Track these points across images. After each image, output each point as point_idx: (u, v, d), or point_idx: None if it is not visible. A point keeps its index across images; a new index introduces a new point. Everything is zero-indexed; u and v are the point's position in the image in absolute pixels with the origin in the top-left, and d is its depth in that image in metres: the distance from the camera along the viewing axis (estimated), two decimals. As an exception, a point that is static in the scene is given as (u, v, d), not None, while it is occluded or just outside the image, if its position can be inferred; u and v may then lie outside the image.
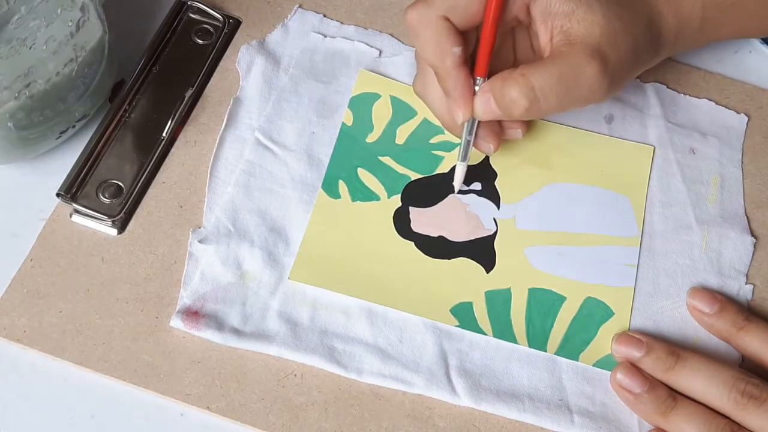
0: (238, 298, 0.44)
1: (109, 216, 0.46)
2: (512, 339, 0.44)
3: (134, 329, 0.43)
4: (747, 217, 0.49)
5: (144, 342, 0.43)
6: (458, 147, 0.46)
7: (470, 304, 0.45)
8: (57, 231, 0.46)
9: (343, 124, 0.50)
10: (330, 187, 0.48)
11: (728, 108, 0.52)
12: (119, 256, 0.45)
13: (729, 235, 0.48)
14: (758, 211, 0.49)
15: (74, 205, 0.46)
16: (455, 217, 0.48)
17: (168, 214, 0.47)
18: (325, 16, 0.53)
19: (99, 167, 0.47)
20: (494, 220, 0.48)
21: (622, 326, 0.45)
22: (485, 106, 0.43)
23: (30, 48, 0.41)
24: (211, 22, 0.53)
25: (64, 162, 0.47)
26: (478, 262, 0.46)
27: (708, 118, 0.52)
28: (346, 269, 0.46)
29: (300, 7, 0.54)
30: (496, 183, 0.49)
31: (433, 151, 0.49)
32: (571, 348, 0.44)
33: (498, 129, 0.47)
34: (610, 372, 0.44)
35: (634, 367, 0.43)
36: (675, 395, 0.42)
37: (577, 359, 0.44)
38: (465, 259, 0.46)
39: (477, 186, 0.48)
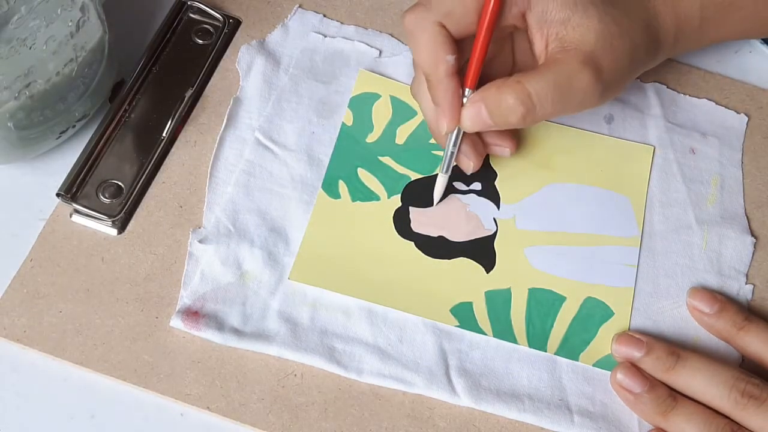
0: (238, 298, 0.44)
1: (109, 216, 0.46)
2: (512, 339, 0.44)
3: (134, 329, 0.43)
4: (747, 217, 0.49)
5: (144, 342, 0.43)
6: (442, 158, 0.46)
7: (470, 304, 0.45)
8: (57, 231, 0.46)
9: (343, 124, 0.50)
10: (330, 187, 0.48)
11: (728, 108, 0.52)
12: (119, 256, 0.45)
13: (729, 235, 0.48)
14: (758, 211, 0.49)
15: (74, 205, 0.46)
16: (455, 217, 0.48)
17: (168, 214, 0.47)
18: (325, 16, 0.53)
19: (99, 167, 0.47)
20: (494, 220, 0.48)
21: (622, 326, 0.45)
22: (475, 116, 0.42)
23: (30, 48, 0.41)
24: (211, 22, 0.53)
25: (64, 162, 0.47)
26: (478, 262, 0.46)
27: (708, 118, 0.52)
28: (346, 269, 0.46)
29: (300, 7, 0.54)
30: (496, 183, 0.49)
31: (433, 151, 0.49)
32: (571, 348, 0.44)
33: (481, 148, 0.46)
34: (610, 372, 0.44)
35: (634, 367, 0.43)
36: (675, 395, 0.42)
37: (577, 359, 0.44)
38: (465, 259, 0.46)
39: (477, 186, 0.49)
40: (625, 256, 0.47)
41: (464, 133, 0.44)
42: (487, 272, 0.46)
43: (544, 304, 0.45)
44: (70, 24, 0.42)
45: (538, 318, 0.45)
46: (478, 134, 0.46)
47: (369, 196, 0.48)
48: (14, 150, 0.45)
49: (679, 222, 0.48)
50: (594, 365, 0.44)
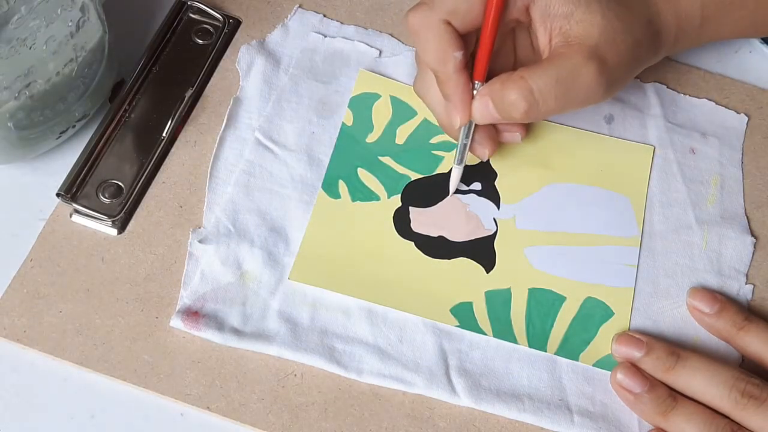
0: (238, 298, 0.44)
1: (109, 216, 0.46)
2: (512, 339, 0.44)
3: (134, 329, 0.43)
4: (747, 217, 0.49)
5: (144, 342, 0.43)
6: (455, 149, 0.46)
7: (470, 304, 0.45)
8: (57, 231, 0.46)
9: (343, 124, 0.50)
10: (330, 187, 0.48)
11: (728, 108, 0.52)
12: (119, 256, 0.45)
13: (729, 235, 0.48)
14: (758, 211, 0.49)
15: (74, 205, 0.46)
16: (455, 217, 0.48)
17: (168, 214, 0.47)
18: (325, 16, 0.53)
19: (99, 167, 0.47)
20: (494, 220, 0.48)
21: (622, 326, 0.45)
22: (483, 109, 0.43)
23: (30, 48, 0.41)
24: (211, 22, 0.53)
25: (64, 162, 0.47)
26: (478, 262, 0.46)
27: (708, 118, 0.52)
28: (346, 269, 0.46)
29: (300, 7, 0.54)
30: (496, 183, 0.49)
31: (433, 151, 0.49)
32: (571, 348, 0.44)
33: (494, 134, 0.47)
34: (610, 372, 0.44)
35: (634, 367, 0.43)
36: (675, 395, 0.42)
37: (577, 359, 0.44)
38: (465, 259, 0.46)
39: (477, 186, 0.48)
40: (625, 256, 0.47)
41: (476, 124, 0.45)
42: (487, 272, 0.46)
43: (544, 304, 0.45)
44: (70, 24, 0.42)
45: (538, 318, 0.45)
46: None
47: (369, 196, 0.48)
48: (14, 150, 0.45)
49: (679, 222, 0.48)
50: (594, 365, 0.44)
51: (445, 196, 0.48)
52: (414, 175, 0.49)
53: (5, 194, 0.47)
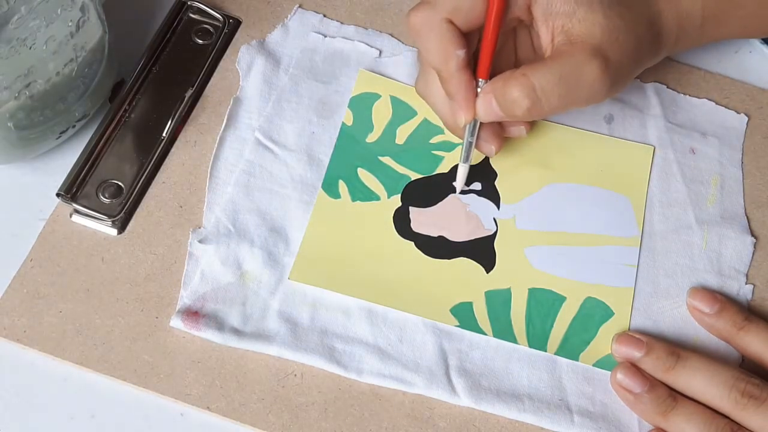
0: (238, 298, 0.44)
1: (109, 216, 0.46)
2: (512, 339, 0.44)
3: (134, 329, 0.43)
4: (747, 217, 0.49)
5: (144, 342, 0.43)
6: (459, 147, 0.46)
7: (470, 304, 0.45)
8: (57, 231, 0.46)
9: (343, 124, 0.50)
10: (330, 187, 0.48)
11: (728, 108, 0.52)
12: (119, 256, 0.45)
13: (729, 235, 0.48)
14: (758, 211, 0.49)
15: (74, 205, 0.46)
16: (455, 217, 0.48)
17: (168, 214, 0.47)
18: (325, 16, 0.53)
19: (99, 167, 0.47)
20: (494, 220, 0.48)
21: (622, 326, 0.45)
22: (487, 107, 0.43)
23: (30, 48, 0.41)
24: (211, 22, 0.53)
25: (64, 162, 0.47)
26: (478, 262, 0.46)
27: (708, 118, 0.52)
28: (346, 269, 0.46)
29: (300, 7, 0.54)
30: (496, 183, 0.49)
31: (433, 151, 0.49)
32: (571, 348, 0.44)
33: (500, 131, 0.47)
34: (610, 372, 0.44)
35: (634, 367, 0.43)
36: (675, 395, 0.42)
37: (577, 359, 0.44)
38: (465, 259, 0.46)
39: (477, 186, 0.48)
40: (625, 256, 0.47)
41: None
42: (487, 272, 0.46)
43: (544, 304, 0.45)
44: (70, 24, 0.42)
45: (538, 318, 0.45)
46: None
47: (369, 196, 0.48)
48: (14, 150, 0.45)
49: (679, 222, 0.48)
50: (594, 365, 0.44)
51: (445, 196, 0.48)
52: (414, 175, 0.49)
53: (5, 194, 0.47)
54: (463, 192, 0.48)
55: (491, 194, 0.48)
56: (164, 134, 0.48)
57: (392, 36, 0.53)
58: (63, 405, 0.42)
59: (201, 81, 0.50)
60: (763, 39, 0.55)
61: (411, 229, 0.47)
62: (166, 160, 0.48)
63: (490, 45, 0.43)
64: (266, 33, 0.53)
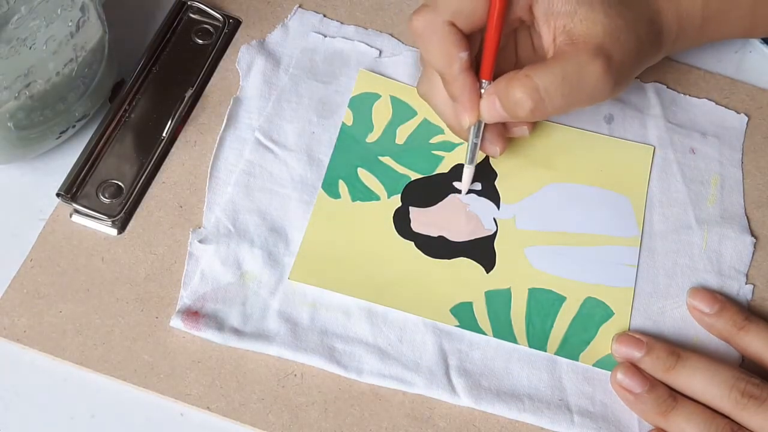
0: (238, 298, 0.44)
1: (109, 216, 0.46)
2: (512, 339, 0.44)
3: (134, 329, 0.43)
4: (747, 217, 0.49)
5: (144, 342, 0.43)
6: (461, 146, 0.46)
7: (470, 304, 0.45)
8: (57, 231, 0.46)
9: (343, 124, 0.50)
10: (330, 187, 0.48)
11: (728, 108, 0.52)
12: (119, 256, 0.45)
13: (729, 235, 0.48)
14: (758, 211, 0.49)
15: (74, 205, 0.46)
16: (455, 217, 0.48)
17: (168, 214, 0.47)
18: (325, 16, 0.53)
19: (99, 167, 0.47)
20: (494, 220, 0.48)
21: (622, 326, 0.45)
22: (491, 108, 0.43)
23: (30, 48, 0.41)
24: (211, 22, 0.53)
25: (64, 162, 0.47)
26: (478, 262, 0.46)
27: (708, 118, 0.52)
28: (346, 269, 0.46)
29: (300, 7, 0.54)
30: (496, 183, 0.49)
31: (433, 151, 0.49)
32: (571, 348, 0.44)
33: (504, 131, 0.47)
34: (610, 372, 0.44)
35: (634, 367, 0.43)
36: (675, 395, 0.42)
37: (577, 359, 0.44)
38: (465, 259, 0.46)
39: (477, 186, 0.49)
40: (625, 256, 0.47)
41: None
42: (487, 272, 0.46)
43: (544, 304, 0.45)
44: (70, 24, 0.42)
45: (538, 318, 0.45)
46: None
47: (369, 196, 0.48)
48: (14, 150, 0.45)
49: (679, 222, 0.48)
50: (594, 365, 0.44)
51: (445, 196, 0.48)
52: (414, 175, 0.49)
53: (5, 194, 0.47)
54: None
55: (491, 194, 0.48)
56: (164, 134, 0.48)
57: (392, 36, 0.53)
58: (63, 405, 0.42)
59: (201, 81, 0.50)
60: (763, 39, 0.55)
61: (411, 229, 0.47)
62: (166, 160, 0.48)
63: (492, 46, 0.43)
64: (266, 33, 0.53)
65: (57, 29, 0.42)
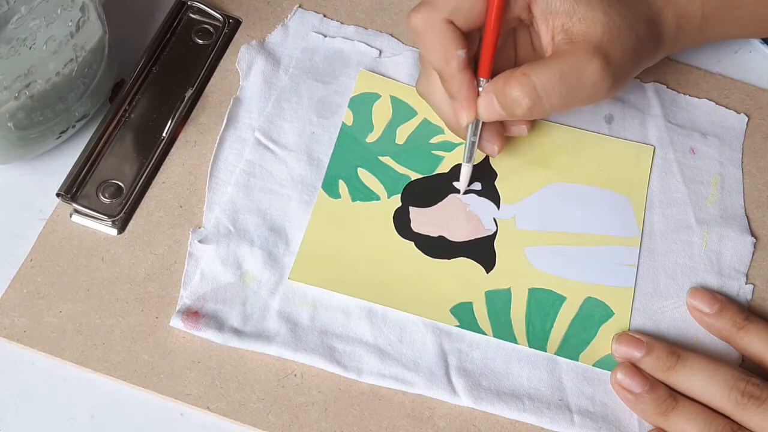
0: (238, 298, 0.44)
1: (109, 216, 0.46)
2: (512, 339, 0.44)
3: (134, 329, 0.43)
4: (747, 217, 0.49)
5: (144, 342, 0.43)
6: (461, 146, 0.46)
7: (470, 304, 0.45)
8: (57, 231, 0.46)
9: (343, 124, 0.50)
10: (330, 187, 0.48)
11: (728, 108, 0.52)
12: (119, 256, 0.45)
13: (729, 235, 0.48)
14: (758, 211, 0.49)
15: (74, 205, 0.46)
16: (455, 217, 0.48)
17: (168, 214, 0.47)
18: (325, 16, 0.53)
19: (99, 167, 0.47)
20: (494, 220, 0.48)
21: (622, 326, 0.45)
22: (488, 106, 0.43)
23: (30, 48, 0.41)
24: (211, 22, 0.53)
25: (64, 162, 0.47)
26: (478, 262, 0.46)
27: (708, 118, 0.52)
28: (346, 269, 0.46)
29: (300, 7, 0.54)
30: (496, 183, 0.49)
31: (433, 151, 0.49)
32: (571, 348, 0.44)
33: (501, 130, 0.47)
34: (610, 372, 0.44)
35: (634, 367, 0.43)
36: (675, 395, 0.42)
37: (577, 359, 0.44)
38: (465, 259, 0.46)
39: (477, 186, 0.49)
40: (625, 256, 0.47)
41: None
42: (487, 272, 0.46)
43: (544, 304, 0.45)
44: (70, 24, 0.42)
45: (538, 318, 0.45)
46: None
47: (369, 196, 0.48)
48: (14, 150, 0.45)
49: (679, 222, 0.48)
50: (594, 365, 0.44)
51: (445, 196, 0.48)
52: (414, 175, 0.49)
53: (5, 194, 0.47)
54: (463, 192, 0.48)
55: (491, 194, 0.48)
56: (164, 134, 0.48)
57: (392, 36, 0.53)
58: (63, 405, 0.42)
59: (201, 81, 0.50)
60: (763, 39, 0.55)
61: (411, 229, 0.47)
62: (166, 160, 0.48)
63: (490, 44, 0.43)
64: (266, 33, 0.53)
65: (57, 29, 0.42)
